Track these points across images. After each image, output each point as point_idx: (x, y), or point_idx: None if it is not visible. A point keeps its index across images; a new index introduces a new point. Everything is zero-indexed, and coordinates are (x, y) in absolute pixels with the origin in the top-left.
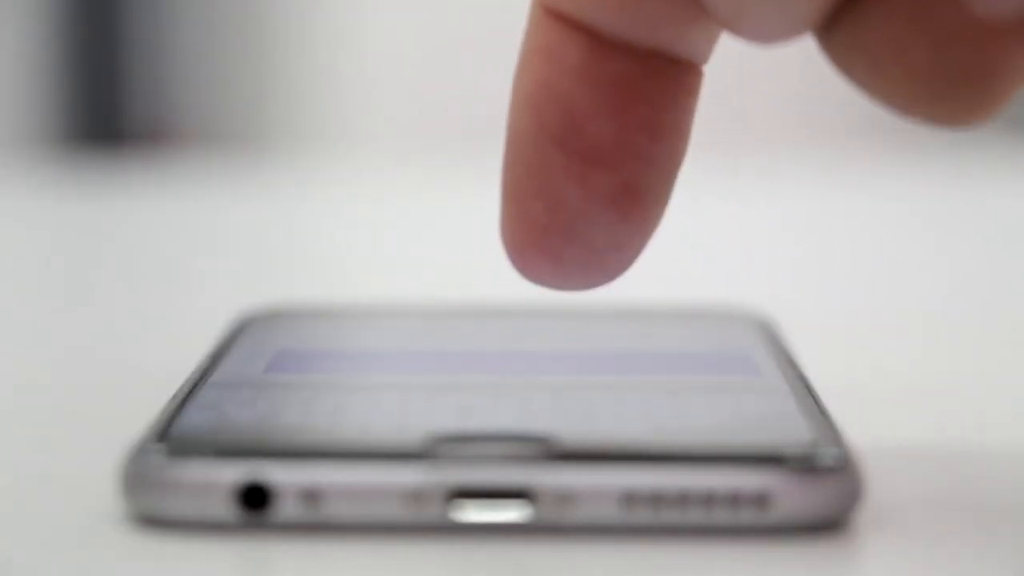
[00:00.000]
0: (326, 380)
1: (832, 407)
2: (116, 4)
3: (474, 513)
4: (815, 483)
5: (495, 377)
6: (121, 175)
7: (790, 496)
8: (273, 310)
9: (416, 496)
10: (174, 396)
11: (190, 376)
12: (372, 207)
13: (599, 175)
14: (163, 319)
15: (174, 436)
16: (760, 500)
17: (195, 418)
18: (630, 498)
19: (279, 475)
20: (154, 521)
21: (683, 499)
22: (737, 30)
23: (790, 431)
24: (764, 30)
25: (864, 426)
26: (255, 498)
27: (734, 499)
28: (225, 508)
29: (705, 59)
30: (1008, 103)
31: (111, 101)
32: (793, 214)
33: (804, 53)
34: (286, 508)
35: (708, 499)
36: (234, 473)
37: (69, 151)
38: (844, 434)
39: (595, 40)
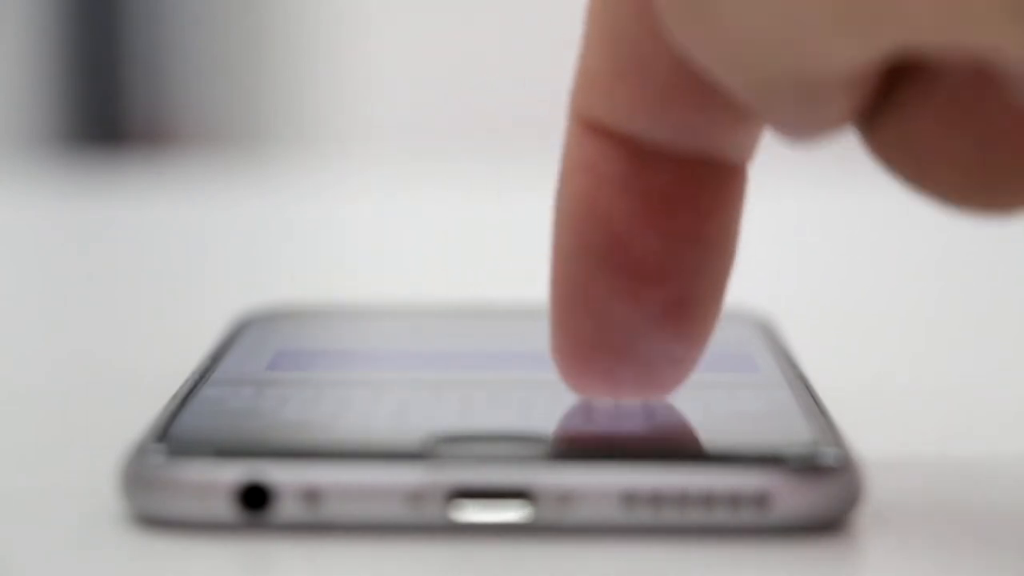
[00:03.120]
0: (326, 380)
1: (832, 407)
2: (116, 4)
3: (474, 513)
4: (815, 483)
5: (495, 377)
6: (121, 175)
7: (790, 496)
8: (273, 310)
9: (416, 496)
10: (174, 396)
11: (190, 376)
12: (372, 207)
13: (648, 291)
14: (163, 319)
15: (174, 436)
16: (760, 500)
17: (195, 418)
18: (630, 498)
19: (279, 475)
20: (154, 521)
21: (683, 499)
22: (775, 127)
23: (790, 431)
24: (800, 126)
25: (864, 426)
26: (255, 498)
27: (734, 499)
28: (225, 508)
29: (750, 157)
30: None
31: (111, 101)
32: (794, 214)
33: None
34: (286, 508)
35: (708, 499)
36: (234, 473)
37: (69, 151)
38: (844, 434)
39: (635, 151)
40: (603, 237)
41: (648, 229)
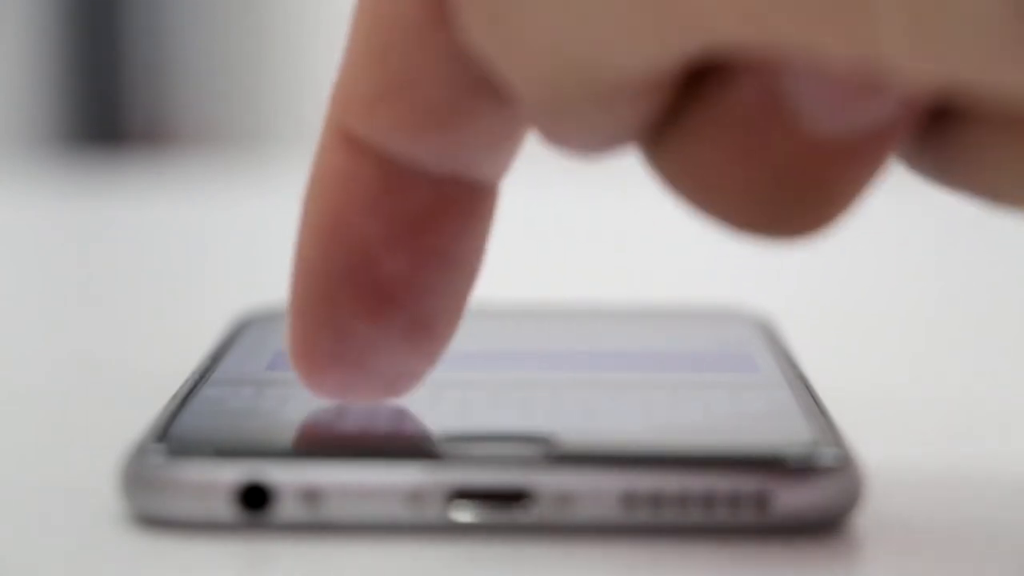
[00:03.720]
0: None
1: (832, 407)
2: (116, 4)
3: (474, 513)
4: (815, 483)
5: (495, 376)
6: (121, 175)
7: (790, 496)
8: (272, 310)
9: (416, 496)
10: (174, 396)
11: (190, 376)
12: None
13: (390, 311)
14: (163, 319)
15: (174, 436)
16: (760, 500)
17: (195, 418)
18: (630, 498)
19: (279, 475)
20: (154, 521)
21: (683, 499)
22: (557, 141)
23: (790, 431)
24: (583, 140)
25: (864, 426)
26: (255, 498)
27: (734, 499)
28: (225, 508)
29: (502, 178)
30: (842, 218)
31: (111, 101)
32: None
33: None
34: (286, 508)
35: (708, 499)
36: (234, 473)
37: (69, 151)
38: (844, 434)
39: (389, 169)
40: (348, 256)
41: (395, 251)
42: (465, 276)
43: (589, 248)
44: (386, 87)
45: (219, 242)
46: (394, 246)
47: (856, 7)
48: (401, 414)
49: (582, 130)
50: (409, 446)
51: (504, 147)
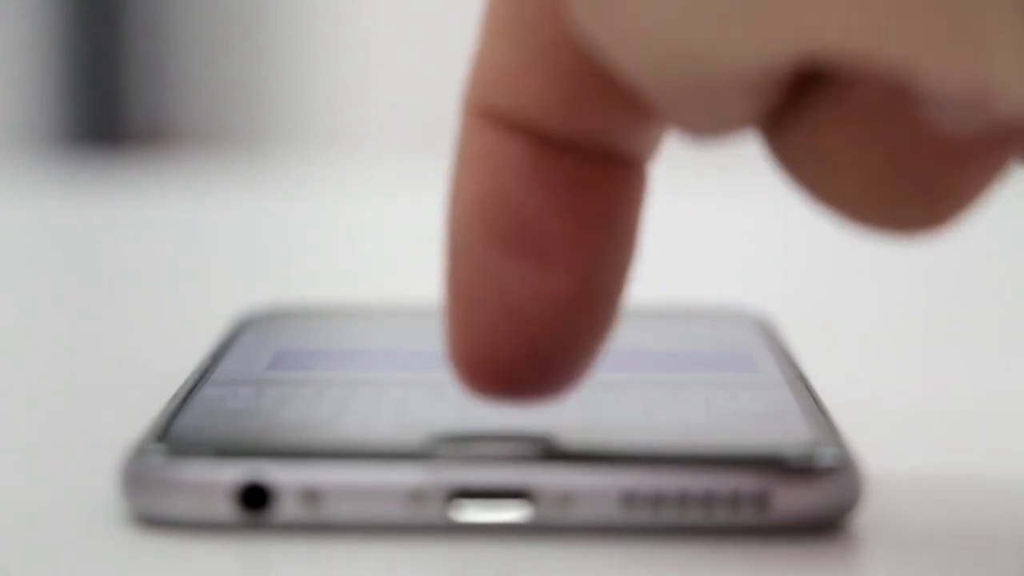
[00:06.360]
0: (326, 380)
1: (832, 408)
2: (117, 5)
3: (474, 513)
4: (815, 483)
5: None
6: (121, 175)
7: (790, 496)
8: (273, 310)
9: (416, 496)
10: (174, 396)
11: (190, 376)
12: (371, 207)
13: (555, 276)
14: (163, 319)
15: (174, 436)
16: (760, 500)
17: (195, 418)
18: (630, 498)
19: (279, 475)
20: (154, 521)
21: (683, 499)
22: (678, 125)
23: (790, 431)
24: (701, 126)
25: (864, 426)
26: (255, 498)
27: (734, 499)
28: (225, 508)
29: (649, 158)
30: (963, 217)
31: (111, 101)
32: (794, 214)
33: None
34: (286, 508)
35: (708, 499)
36: (234, 473)
37: (69, 151)
38: (844, 434)
39: (539, 141)
40: (508, 225)
41: (554, 215)
42: (624, 247)
43: None
44: (529, 61)
45: (219, 242)
46: (553, 211)
47: (970, 40)
48: (401, 414)
49: (701, 116)
50: (409, 446)
51: (648, 125)
